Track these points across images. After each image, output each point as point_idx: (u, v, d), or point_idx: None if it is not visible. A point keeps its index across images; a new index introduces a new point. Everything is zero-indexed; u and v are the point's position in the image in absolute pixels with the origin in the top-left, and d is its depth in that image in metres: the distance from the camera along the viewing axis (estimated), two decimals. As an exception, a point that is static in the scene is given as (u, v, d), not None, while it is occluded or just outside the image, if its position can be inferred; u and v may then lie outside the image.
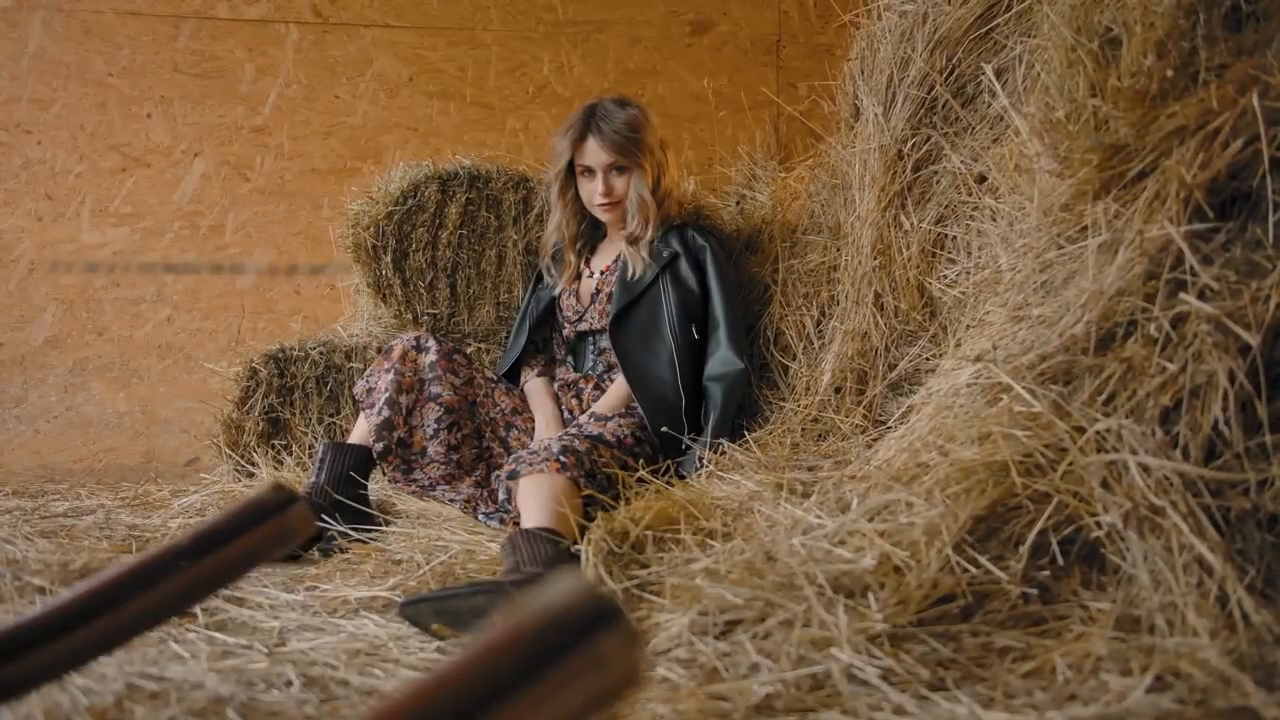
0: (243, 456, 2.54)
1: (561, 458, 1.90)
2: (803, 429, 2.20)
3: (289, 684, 1.22)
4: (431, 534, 1.93)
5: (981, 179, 2.12)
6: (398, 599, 1.61)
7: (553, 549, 1.61)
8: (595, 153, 2.31)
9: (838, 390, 2.25)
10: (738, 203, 2.95)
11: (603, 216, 2.40)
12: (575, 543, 1.68)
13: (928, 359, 2.20)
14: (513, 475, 1.90)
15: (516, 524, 1.90)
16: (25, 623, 0.86)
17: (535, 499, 1.79)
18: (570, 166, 2.37)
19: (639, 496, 1.75)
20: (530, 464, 1.88)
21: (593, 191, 2.35)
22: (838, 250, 2.41)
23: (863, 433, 2.13)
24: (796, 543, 1.37)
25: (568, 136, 2.35)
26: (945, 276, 2.14)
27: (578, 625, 0.46)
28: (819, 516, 1.52)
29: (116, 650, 0.90)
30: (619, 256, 2.41)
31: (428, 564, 1.72)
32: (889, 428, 2.12)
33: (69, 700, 1.04)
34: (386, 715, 0.43)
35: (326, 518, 1.94)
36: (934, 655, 1.18)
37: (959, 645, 1.21)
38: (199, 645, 1.36)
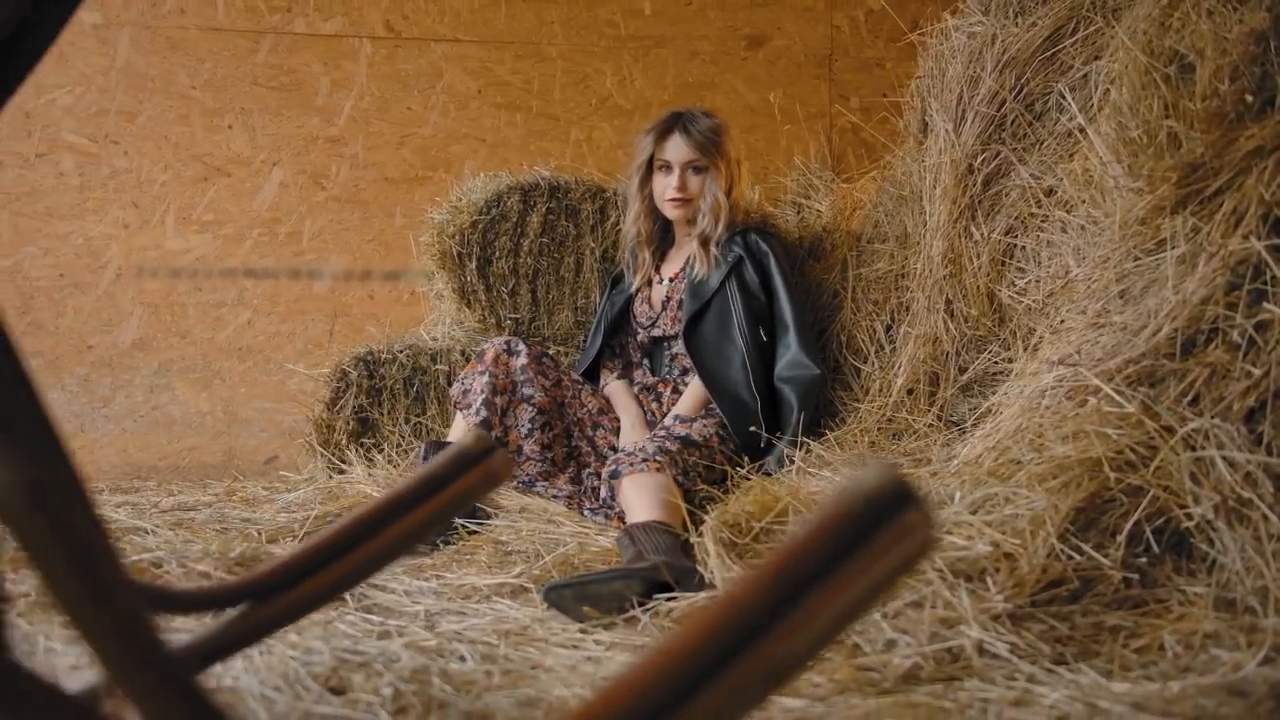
0: (334, 454, 2.66)
1: (658, 458, 2.02)
2: (879, 428, 2.32)
3: (462, 659, 1.34)
4: (538, 527, 2.05)
5: (1050, 192, 2.24)
6: (526, 586, 1.73)
7: (670, 538, 1.74)
8: (677, 148, 2.44)
9: (910, 392, 2.37)
10: (798, 211, 3.07)
11: (671, 213, 2.51)
12: (685, 533, 1.81)
13: (997, 363, 2.32)
14: (614, 475, 2.02)
15: (621, 520, 2.02)
16: (292, 560, 0.98)
17: (641, 496, 1.91)
18: (649, 164, 2.49)
19: (744, 492, 1.87)
20: (631, 464, 2.01)
21: (666, 186, 2.47)
22: (905, 258, 2.53)
23: (937, 433, 2.25)
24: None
25: (652, 133, 2.48)
26: (1015, 285, 2.26)
27: (890, 501, 0.57)
28: (922, 509, 1.64)
29: (359, 584, 1.03)
30: (686, 263, 2.52)
31: (548, 554, 1.84)
32: (962, 428, 2.24)
33: (293, 670, 1.16)
34: (773, 568, 0.55)
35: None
36: (1052, 633, 1.30)
37: (1073, 624, 1.33)
38: (363, 625, 1.48)
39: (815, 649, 0.55)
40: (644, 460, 1.99)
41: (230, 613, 0.96)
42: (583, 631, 1.49)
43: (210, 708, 0.47)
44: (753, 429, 2.24)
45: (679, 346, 2.47)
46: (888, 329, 2.51)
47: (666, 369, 2.55)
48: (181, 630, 1.25)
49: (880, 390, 2.40)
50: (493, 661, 1.34)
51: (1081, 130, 2.12)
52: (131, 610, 0.42)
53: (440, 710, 1.09)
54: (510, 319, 2.81)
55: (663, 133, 2.45)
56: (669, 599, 1.53)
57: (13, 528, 0.41)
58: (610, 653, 1.38)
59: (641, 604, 1.52)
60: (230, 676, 1.13)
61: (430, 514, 1.02)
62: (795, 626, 0.54)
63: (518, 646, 1.42)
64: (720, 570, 1.57)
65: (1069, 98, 2.11)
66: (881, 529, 0.57)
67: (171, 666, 0.42)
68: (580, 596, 1.50)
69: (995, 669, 1.21)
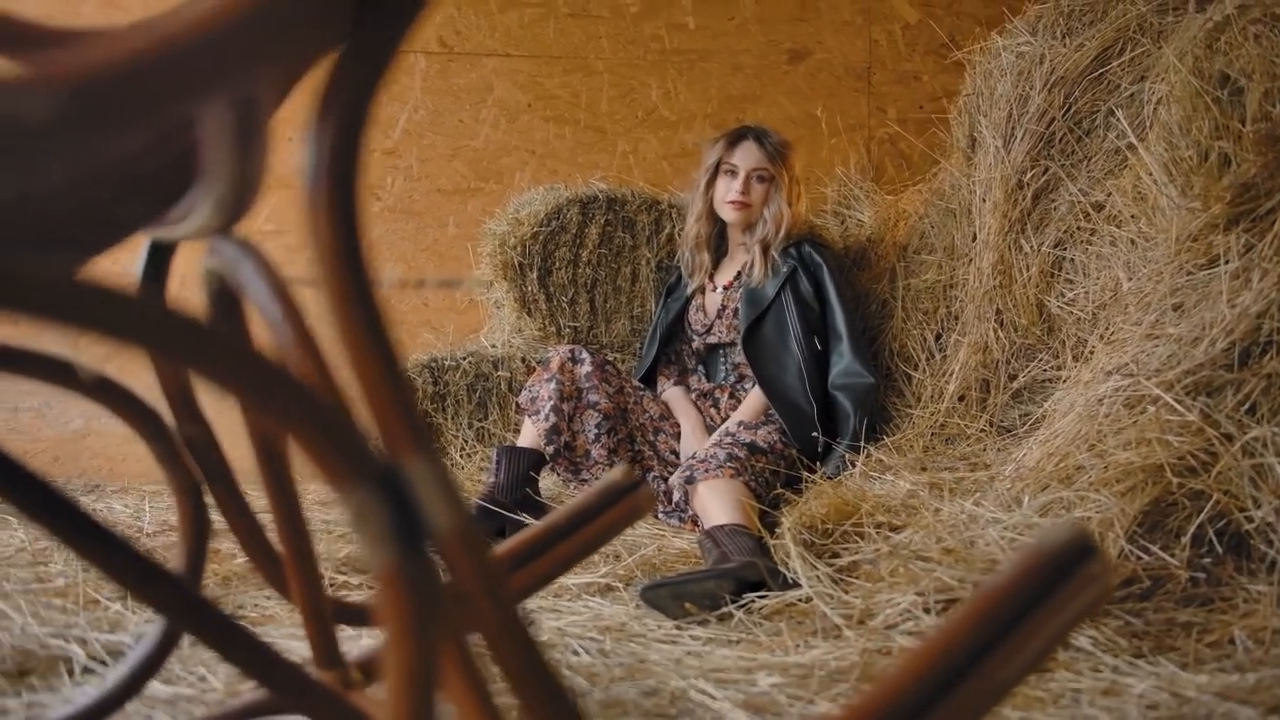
0: (400, 458, 2.76)
1: (730, 464, 2.12)
2: (932, 433, 2.41)
3: (575, 653, 1.44)
4: (613, 528, 2.15)
5: (1099, 207, 2.33)
6: (613, 585, 1.83)
7: (751, 540, 1.83)
8: (746, 154, 2.55)
9: (961, 398, 2.47)
10: (841, 221, 3.16)
11: (729, 215, 2.60)
12: (761, 534, 1.91)
13: (1046, 371, 2.41)
14: (689, 481, 2.11)
15: (695, 523, 2.11)
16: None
17: (718, 500, 2.00)
18: (717, 168, 2.60)
19: (815, 496, 1.97)
20: (705, 470, 2.10)
21: (729, 189, 2.56)
22: (953, 269, 2.62)
23: (990, 438, 2.34)
24: (992, 533, 1.58)
25: (722, 140, 2.59)
26: (1064, 296, 2.35)
27: (1077, 553, 0.67)
28: (992, 511, 1.73)
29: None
30: (740, 273, 2.62)
31: (630, 556, 1.93)
32: (1014, 434, 2.34)
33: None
34: (985, 606, 0.64)
35: (525, 514, 2.16)
36: (1128, 628, 1.40)
37: (1146, 620, 1.42)
38: (473, 621, 1.58)
39: (1021, 676, 0.65)
40: (718, 466, 2.08)
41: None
42: (678, 628, 1.59)
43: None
44: (815, 434, 2.34)
45: (736, 354, 2.57)
46: (938, 338, 2.60)
47: (723, 375, 2.64)
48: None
49: (932, 396, 2.49)
50: (604, 655, 1.44)
51: (1130, 148, 2.21)
52: (533, 635, 0.51)
53: (579, 699, 1.19)
54: (569, 327, 2.91)
55: (734, 139, 2.56)
56: (760, 597, 1.63)
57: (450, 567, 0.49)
58: (709, 647, 1.48)
59: (734, 601, 1.61)
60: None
61: (580, 544, 1.12)
62: (1007, 656, 0.63)
63: (620, 641, 1.52)
64: (803, 569, 1.67)
65: (1119, 116, 2.20)
66: (1071, 576, 0.67)
67: (567, 692, 0.51)
68: (677, 595, 1.60)
69: (1080, 662, 1.30)
